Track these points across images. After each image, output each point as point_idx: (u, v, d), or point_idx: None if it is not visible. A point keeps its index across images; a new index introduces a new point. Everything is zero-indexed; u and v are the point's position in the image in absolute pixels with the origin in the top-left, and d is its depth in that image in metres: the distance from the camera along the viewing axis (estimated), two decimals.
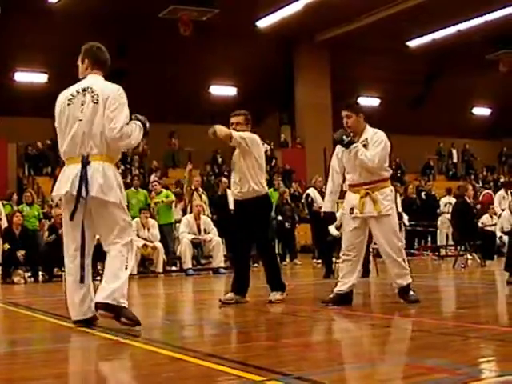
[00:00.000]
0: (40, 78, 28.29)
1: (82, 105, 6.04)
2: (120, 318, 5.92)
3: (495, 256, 15.19)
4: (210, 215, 16.11)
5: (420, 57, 31.97)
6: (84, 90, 6.12)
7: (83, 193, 5.90)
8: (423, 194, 22.27)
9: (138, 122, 6.18)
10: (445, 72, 33.33)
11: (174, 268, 15.99)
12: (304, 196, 17.07)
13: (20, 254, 13.74)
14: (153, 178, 22.11)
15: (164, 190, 17.07)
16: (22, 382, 4.21)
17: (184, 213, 16.19)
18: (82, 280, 6.16)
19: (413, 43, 30.68)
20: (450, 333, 5.62)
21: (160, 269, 15.03)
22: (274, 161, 30.14)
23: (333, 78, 31.85)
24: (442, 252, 19.76)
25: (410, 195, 20.95)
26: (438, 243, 20.61)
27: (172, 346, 5.22)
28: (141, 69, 26.74)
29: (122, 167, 26.08)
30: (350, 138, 7.54)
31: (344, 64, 31.01)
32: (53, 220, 14.96)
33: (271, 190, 19.61)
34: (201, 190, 16.68)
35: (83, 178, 5.91)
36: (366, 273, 12.02)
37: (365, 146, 7.53)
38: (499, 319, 6.63)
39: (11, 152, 26.67)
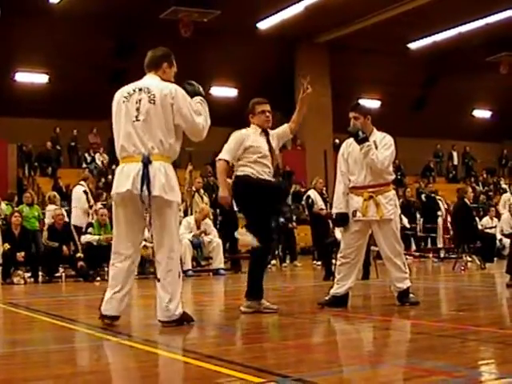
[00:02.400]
0: (41, 78, 28.33)
1: (137, 103, 6.09)
2: (182, 323, 6.21)
3: (495, 258, 15.19)
4: (211, 217, 16.09)
5: (421, 59, 32.01)
6: (140, 89, 6.16)
7: (145, 192, 5.93)
8: (423, 196, 22.28)
9: (198, 98, 6.33)
10: (445, 74, 33.34)
11: None
12: (304, 198, 17.06)
13: (20, 254, 13.74)
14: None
15: None
16: (21, 382, 4.21)
17: (185, 214, 16.17)
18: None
19: (414, 45, 30.71)
20: (449, 335, 5.62)
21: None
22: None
23: (333, 80, 31.86)
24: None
25: (408, 198, 20.97)
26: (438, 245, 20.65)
27: (172, 348, 5.22)
28: (141, 70, 26.69)
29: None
30: (365, 135, 7.50)
31: (344, 66, 31.04)
32: (52, 220, 14.95)
33: None
34: (202, 191, 16.66)
35: (145, 177, 5.94)
36: (366, 275, 12.03)
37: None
38: (499, 322, 6.62)
39: (11, 152, 26.68)
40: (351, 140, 7.75)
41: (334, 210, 7.73)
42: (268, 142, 7.70)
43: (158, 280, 6.16)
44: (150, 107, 6.04)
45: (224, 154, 7.51)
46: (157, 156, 6.03)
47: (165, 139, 6.06)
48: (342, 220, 7.62)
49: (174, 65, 6.49)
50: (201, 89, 6.49)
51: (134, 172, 5.98)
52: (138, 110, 6.06)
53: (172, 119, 6.08)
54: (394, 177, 7.86)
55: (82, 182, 17.16)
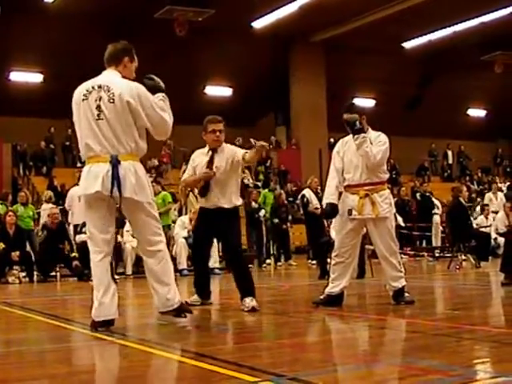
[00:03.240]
0: (35, 77, 28.31)
1: (97, 101, 5.99)
2: (180, 315, 6.27)
3: (490, 257, 15.20)
4: None
5: (415, 58, 32.03)
6: (99, 86, 6.05)
7: (115, 193, 5.85)
8: (418, 195, 22.30)
9: (160, 95, 6.23)
10: (440, 73, 33.36)
11: None
12: (299, 197, 17.07)
13: (15, 254, 13.73)
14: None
15: (162, 191, 17.00)
16: (16, 382, 4.20)
17: (180, 213, 16.16)
18: (114, 280, 6.28)
19: (408, 44, 30.72)
20: (444, 334, 5.62)
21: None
22: (269, 161, 30.18)
23: (328, 79, 31.88)
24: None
25: (403, 197, 21.00)
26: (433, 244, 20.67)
27: (166, 347, 5.22)
28: (136, 69, 26.66)
29: None
30: (361, 126, 7.50)
31: (339, 65, 31.05)
32: (47, 219, 14.95)
33: (266, 190, 19.63)
34: (196, 190, 16.59)
35: (115, 178, 5.86)
36: (361, 274, 12.04)
37: None
38: (494, 320, 6.64)
39: (6, 152, 26.65)
40: (347, 138, 7.76)
41: (325, 201, 7.67)
42: (210, 160, 7.82)
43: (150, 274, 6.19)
44: (110, 106, 5.91)
45: (183, 176, 8.19)
46: (125, 156, 5.93)
47: (129, 138, 5.95)
48: (332, 211, 7.58)
49: (135, 59, 6.40)
50: (161, 83, 6.35)
51: (102, 173, 5.87)
52: (98, 108, 5.94)
53: (133, 119, 5.95)
54: (388, 175, 7.87)
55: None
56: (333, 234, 12.48)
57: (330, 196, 7.63)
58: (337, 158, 7.76)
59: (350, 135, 7.68)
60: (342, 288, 7.64)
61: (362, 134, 7.47)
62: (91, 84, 6.11)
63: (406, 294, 7.60)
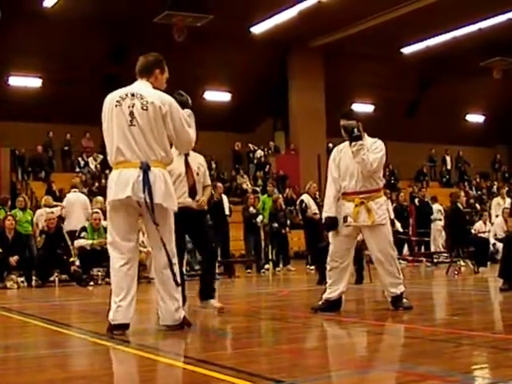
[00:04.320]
0: (34, 82, 28.29)
1: (130, 107, 6.05)
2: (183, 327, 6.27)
3: (488, 263, 15.21)
4: None
5: (414, 63, 32.06)
6: (133, 94, 6.13)
7: (147, 199, 5.89)
8: (416, 200, 22.31)
9: (188, 111, 6.41)
10: (439, 79, 33.40)
11: None
12: (298, 202, 17.09)
13: (13, 258, 13.73)
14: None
15: None
16: None
17: None
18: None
19: (407, 50, 30.75)
20: (442, 340, 5.62)
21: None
22: (267, 167, 30.19)
23: (327, 85, 31.89)
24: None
25: (401, 202, 21.00)
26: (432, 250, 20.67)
27: (164, 352, 5.22)
28: (134, 74, 26.68)
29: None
30: (359, 134, 7.50)
31: (338, 70, 31.08)
32: (45, 224, 14.94)
33: (265, 196, 19.63)
34: None
35: (145, 184, 5.90)
36: (359, 279, 12.04)
37: None
38: (492, 326, 6.63)
39: (5, 157, 26.63)
40: (342, 146, 7.78)
41: (325, 214, 7.70)
42: (186, 162, 8.05)
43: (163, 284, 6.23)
44: (143, 113, 5.99)
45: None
46: (155, 163, 6.00)
47: (160, 146, 6.04)
48: (332, 224, 7.59)
49: (165, 71, 6.46)
50: (189, 101, 6.56)
51: (133, 178, 5.91)
52: (131, 114, 6.01)
53: (163, 129, 6.05)
54: (384, 182, 7.88)
55: (75, 189, 17.49)
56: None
57: (328, 209, 7.66)
58: (333, 167, 7.78)
59: (346, 142, 7.70)
60: (339, 293, 7.64)
61: (360, 142, 7.46)
62: (124, 92, 6.19)
63: (405, 300, 7.59)
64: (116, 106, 6.11)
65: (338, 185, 7.68)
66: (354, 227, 7.57)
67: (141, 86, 6.25)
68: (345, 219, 7.56)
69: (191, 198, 8.06)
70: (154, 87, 6.27)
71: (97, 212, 15.12)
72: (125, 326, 6.03)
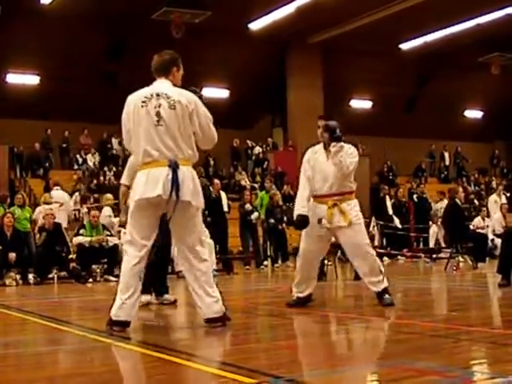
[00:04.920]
0: (32, 79, 28.22)
1: (156, 108, 6.08)
2: (224, 322, 6.21)
3: (487, 258, 15.22)
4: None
5: (412, 59, 32.03)
6: (158, 94, 6.14)
7: (174, 196, 5.93)
8: (415, 196, 22.32)
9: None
10: (437, 75, 33.38)
11: None
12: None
13: (11, 256, 13.73)
14: None
15: None
16: None
17: None
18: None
19: (405, 46, 30.71)
20: (441, 335, 5.63)
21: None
22: (266, 163, 30.17)
23: (325, 81, 31.86)
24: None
25: (400, 198, 21.01)
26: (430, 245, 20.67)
27: (164, 349, 5.22)
28: (133, 71, 26.71)
29: (114, 169, 26.11)
30: (341, 134, 7.56)
31: (336, 66, 31.04)
32: (43, 221, 14.95)
33: (263, 192, 19.63)
34: None
35: (174, 182, 5.94)
36: (358, 275, 12.04)
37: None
38: (491, 322, 6.65)
39: (3, 154, 26.59)
40: (317, 148, 7.89)
41: (296, 212, 7.69)
42: None
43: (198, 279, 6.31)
44: (171, 113, 6.04)
45: (123, 179, 8.05)
46: (183, 161, 6.05)
47: (188, 144, 6.10)
48: (304, 223, 7.62)
49: (181, 68, 6.53)
50: (203, 97, 6.58)
51: (162, 176, 5.95)
52: (158, 114, 6.04)
53: (190, 127, 6.12)
54: (355, 186, 7.89)
55: (57, 187, 18.77)
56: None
57: (301, 208, 7.67)
58: (307, 167, 7.85)
59: (320, 144, 7.81)
60: (309, 293, 7.85)
61: (340, 143, 7.54)
62: (149, 92, 6.20)
63: (386, 296, 7.59)
64: (142, 106, 6.12)
65: (311, 186, 7.75)
66: (328, 229, 7.63)
67: (164, 86, 6.26)
68: (319, 221, 7.60)
69: None
70: (173, 84, 6.34)
71: (94, 209, 15.16)
72: (126, 324, 6.04)
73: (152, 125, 6.04)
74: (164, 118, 6.03)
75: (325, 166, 7.64)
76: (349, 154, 7.61)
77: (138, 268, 6.11)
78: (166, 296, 8.74)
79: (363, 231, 7.69)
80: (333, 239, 8.01)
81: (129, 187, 7.74)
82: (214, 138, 6.38)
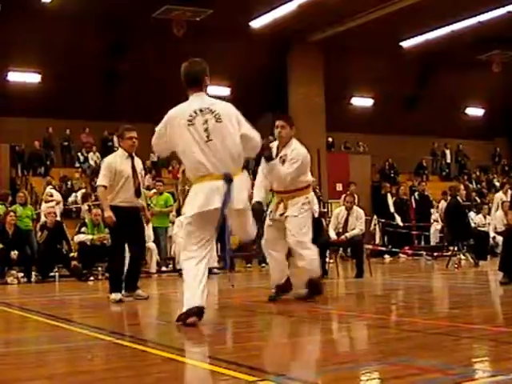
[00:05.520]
0: (33, 78, 28.21)
1: (205, 124, 6.25)
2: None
3: (488, 256, 15.22)
4: None
5: (413, 57, 32.00)
6: (201, 110, 6.30)
7: (227, 207, 6.23)
8: (416, 194, 22.32)
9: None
10: (438, 72, 33.37)
11: (165, 269, 16.11)
12: None
13: (13, 254, 13.74)
14: (147, 178, 22.06)
15: (165, 193, 17.08)
16: (14, 382, 4.20)
17: (178, 214, 16.17)
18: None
19: (406, 43, 30.68)
20: (442, 333, 5.63)
21: (153, 269, 15.12)
22: None
23: (326, 79, 31.81)
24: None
25: (401, 196, 21.00)
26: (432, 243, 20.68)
27: (165, 347, 5.22)
28: (134, 69, 26.71)
29: None
30: (269, 154, 7.99)
31: (337, 64, 31.01)
32: (45, 219, 14.97)
33: None
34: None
35: (229, 194, 6.16)
36: (360, 273, 12.06)
37: (284, 160, 8.14)
38: (492, 319, 6.64)
39: (4, 152, 26.61)
40: (275, 145, 8.41)
41: (254, 199, 8.21)
42: (132, 165, 9.05)
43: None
44: (219, 126, 6.22)
45: (101, 180, 9.01)
46: (235, 170, 6.27)
47: (236, 153, 6.30)
48: (260, 208, 8.11)
49: (208, 75, 6.77)
50: None
51: (219, 190, 6.16)
52: (206, 130, 6.20)
53: (237, 136, 6.32)
54: (309, 181, 8.50)
55: (51, 186, 19.29)
56: (331, 233, 12.53)
57: (258, 195, 8.29)
58: (264, 164, 8.28)
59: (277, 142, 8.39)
60: (285, 278, 8.39)
61: (272, 162, 8.00)
62: (192, 109, 6.34)
63: (305, 290, 8.16)
64: (188, 125, 6.25)
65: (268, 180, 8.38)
66: (278, 220, 8.22)
67: (204, 100, 6.45)
68: (270, 212, 8.42)
69: (137, 197, 9.02)
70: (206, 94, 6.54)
71: (96, 207, 15.18)
72: (201, 311, 6.19)
73: (202, 141, 6.22)
74: (213, 134, 6.20)
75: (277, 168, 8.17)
76: (289, 159, 8.17)
77: (201, 266, 6.35)
78: (139, 291, 9.17)
79: (298, 223, 8.10)
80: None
81: (106, 187, 8.87)
82: (258, 144, 6.64)
